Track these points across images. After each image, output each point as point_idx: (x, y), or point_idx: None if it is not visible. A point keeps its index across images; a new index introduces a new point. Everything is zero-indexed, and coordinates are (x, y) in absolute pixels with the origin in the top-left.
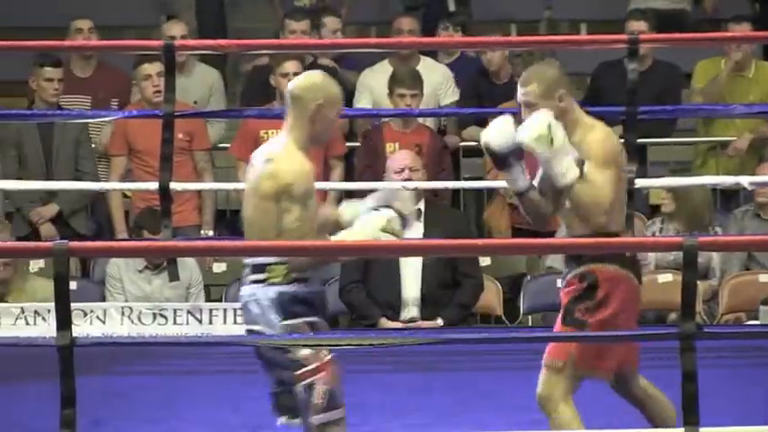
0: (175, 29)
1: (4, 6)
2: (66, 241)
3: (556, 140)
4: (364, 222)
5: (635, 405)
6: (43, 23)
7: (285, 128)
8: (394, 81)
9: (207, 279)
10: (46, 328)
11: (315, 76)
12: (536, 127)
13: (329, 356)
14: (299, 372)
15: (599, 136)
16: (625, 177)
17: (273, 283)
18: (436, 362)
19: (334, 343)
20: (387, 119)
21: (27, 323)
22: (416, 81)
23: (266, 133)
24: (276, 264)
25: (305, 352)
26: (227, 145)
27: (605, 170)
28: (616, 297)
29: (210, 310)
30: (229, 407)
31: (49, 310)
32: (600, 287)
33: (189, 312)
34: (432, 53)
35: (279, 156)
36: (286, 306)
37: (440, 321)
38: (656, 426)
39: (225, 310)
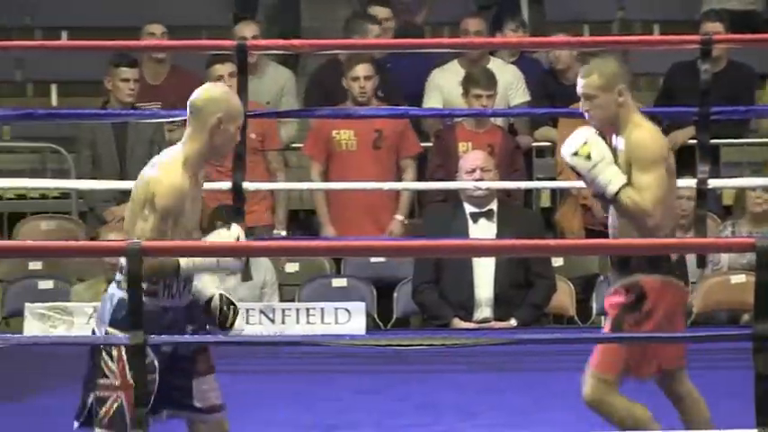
0: (247, 30)
1: (77, 7)
2: (138, 241)
3: (594, 154)
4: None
5: (674, 403)
6: (116, 24)
7: (183, 139)
8: (470, 81)
9: (280, 279)
10: None
11: (216, 89)
12: (573, 143)
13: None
14: (100, 380)
15: (644, 135)
16: (674, 178)
17: (122, 287)
18: (509, 362)
19: (407, 343)
20: (459, 119)
21: None
22: (492, 81)
23: (338, 133)
24: None
25: (115, 367)
26: (300, 145)
27: (650, 172)
28: (662, 307)
29: (283, 310)
30: (302, 407)
31: None
32: (647, 299)
33: (262, 312)
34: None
35: (162, 165)
36: (118, 313)
37: (513, 322)
38: (688, 427)
39: (298, 309)
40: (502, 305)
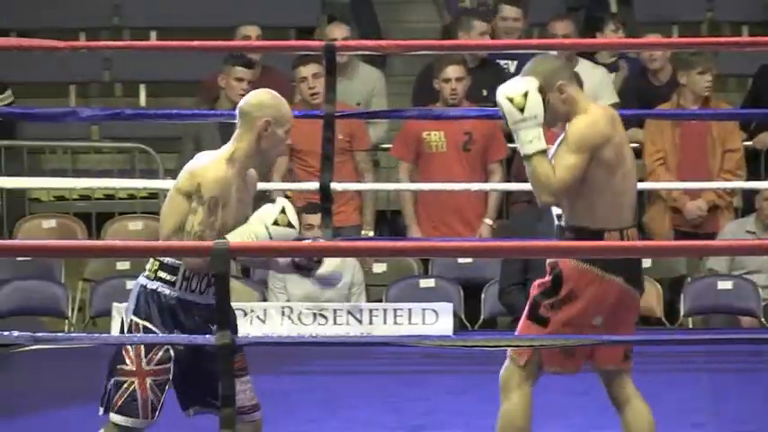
0: (337, 31)
1: (166, 7)
2: (226, 241)
3: (528, 109)
4: (255, 217)
5: (615, 407)
6: (203, 24)
7: (231, 140)
8: None
9: (367, 279)
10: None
11: (265, 94)
12: (512, 88)
13: (156, 368)
14: (119, 366)
15: (582, 120)
16: (628, 172)
17: (147, 276)
18: None
19: (494, 344)
20: None
21: None
22: (578, 83)
23: (428, 134)
24: (158, 259)
25: (133, 353)
26: (389, 145)
27: (573, 155)
28: (586, 296)
29: (371, 311)
30: (389, 407)
31: None
32: (564, 283)
33: (349, 312)
34: (590, 55)
35: (208, 157)
36: (140, 301)
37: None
38: None
39: (385, 310)
40: None
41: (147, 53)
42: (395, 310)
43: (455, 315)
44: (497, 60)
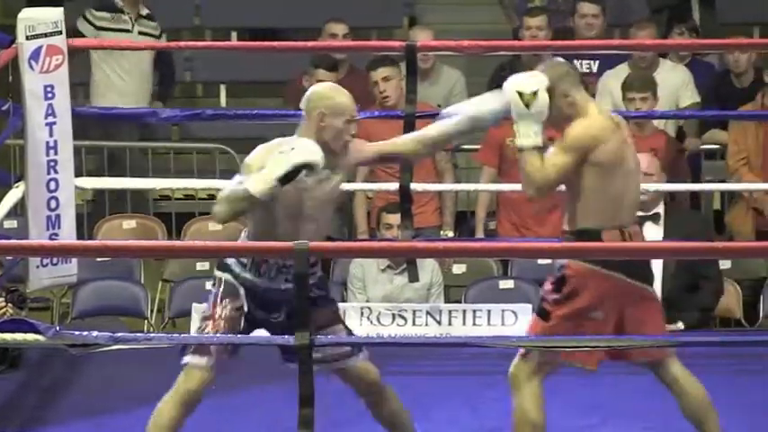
0: (422, 34)
1: (246, 8)
2: (306, 241)
3: (534, 106)
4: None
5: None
6: (284, 24)
7: (295, 133)
8: (624, 85)
9: (446, 280)
10: None
11: (323, 86)
12: (524, 83)
13: (229, 314)
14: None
15: (579, 123)
16: (629, 174)
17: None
18: None
19: (574, 345)
20: None
21: None
22: (646, 84)
23: (512, 141)
24: None
25: (212, 299)
26: (469, 146)
27: (562, 155)
28: (587, 294)
29: (450, 311)
30: (468, 408)
31: None
32: (567, 282)
33: (428, 313)
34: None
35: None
36: (221, 261)
37: (680, 325)
38: (687, 416)
39: (464, 311)
40: (669, 308)
41: (228, 53)
42: (474, 310)
43: None
44: (576, 60)
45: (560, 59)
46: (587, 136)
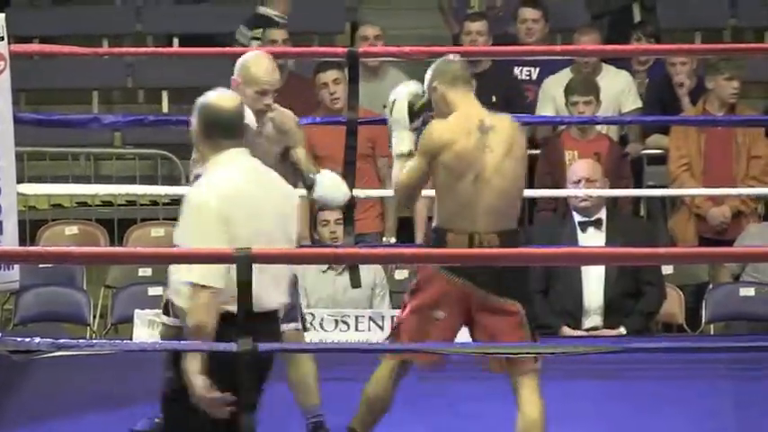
0: (369, 31)
1: (187, 14)
2: (248, 248)
3: (394, 112)
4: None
5: None
6: (223, 30)
7: None
8: (568, 89)
9: (390, 286)
10: None
11: (247, 55)
12: (415, 90)
13: None
14: None
15: (431, 126)
16: (484, 180)
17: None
18: (619, 371)
19: (516, 351)
20: (563, 127)
21: None
22: (589, 88)
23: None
24: None
25: None
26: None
27: (417, 158)
28: (428, 291)
29: (392, 317)
30: (415, 416)
31: None
32: (417, 278)
33: (371, 319)
34: (625, 64)
35: None
36: None
37: (622, 330)
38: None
39: None
40: (611, 314)
41: (170, 59)
42: None
43: None
44: (517, 67)
45: (451, 57)
46: (433, 138)
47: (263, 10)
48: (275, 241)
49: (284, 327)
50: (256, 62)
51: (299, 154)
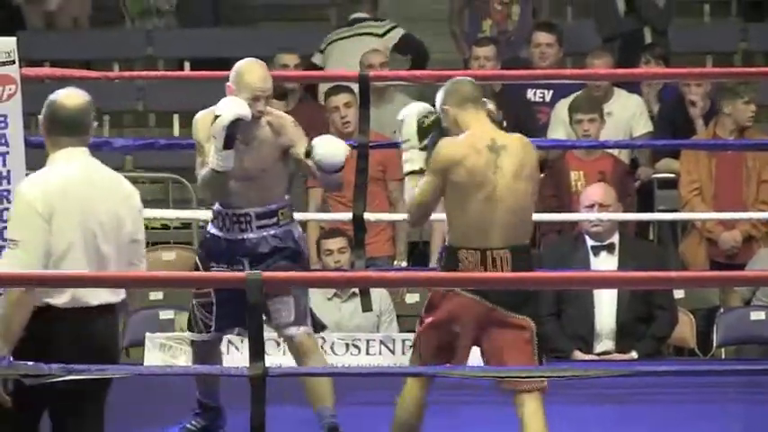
0: (375, 57)
1: (198, 38)
2: (259, 272)
3: (403, 131)
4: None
5: None
6: (236, 54)
7: None
8: (571, 107)
9: (400, 310)
10: (239, 358)
11: (242, 62)
12: (428, 114)
13: (199, 291)
14: None
15: (441, 144)
16: (496, 198)
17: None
18: (630, 395)
19: (527, 375)
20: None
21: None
22: (593, 105)
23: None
24: None
25: None
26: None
27: (428, 177)
28: (441, 308)
29: (403, 341)
30: None
31: (242, 340)
32: (430, 295)
33: (382, 342)
34: (635, 87)
35: None
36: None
37: (634, 354)
38: None
39: None
40: (623, 338)
41: (181, 83)
42: None
43: None
44: (530, 90)
45: (463, 78)
46: (443, 156)
47: None
48: (107, 240)
49: (295, 330)
50: (249, 69)
51: (299, 149)
